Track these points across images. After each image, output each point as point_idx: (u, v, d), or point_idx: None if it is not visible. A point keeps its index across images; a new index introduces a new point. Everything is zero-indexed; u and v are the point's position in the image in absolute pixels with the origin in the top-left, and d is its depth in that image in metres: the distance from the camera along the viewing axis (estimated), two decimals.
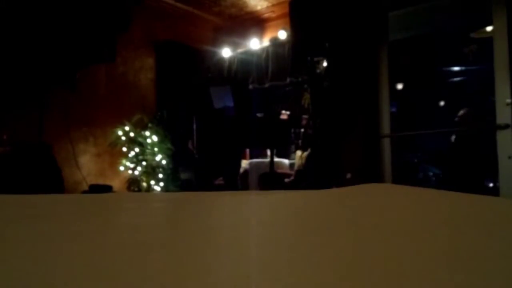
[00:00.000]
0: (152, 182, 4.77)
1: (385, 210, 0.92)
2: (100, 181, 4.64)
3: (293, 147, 5.11)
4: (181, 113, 4.98)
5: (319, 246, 0.56)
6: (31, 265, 0.46)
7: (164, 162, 4.77)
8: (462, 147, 4.43)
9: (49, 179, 3.80)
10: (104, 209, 1.10)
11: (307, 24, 4.06)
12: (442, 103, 6.35)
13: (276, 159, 4.62)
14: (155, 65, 5.28)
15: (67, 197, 1.69)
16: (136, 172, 4.74)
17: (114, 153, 4.73)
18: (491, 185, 4.17)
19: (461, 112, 4.48)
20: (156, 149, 4.73)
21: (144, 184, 4.75)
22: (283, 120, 5.20)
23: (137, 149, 4.70)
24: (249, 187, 4.90)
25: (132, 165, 4.72)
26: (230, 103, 5.01)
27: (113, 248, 0.56)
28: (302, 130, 4.96)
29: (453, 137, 4.75)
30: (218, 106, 5.01)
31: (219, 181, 5.13)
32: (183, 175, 5.01)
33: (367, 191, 1.28)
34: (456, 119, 4.51)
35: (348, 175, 3.65)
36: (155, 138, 4.74)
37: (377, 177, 3.57)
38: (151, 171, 4.75)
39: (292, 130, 4.95)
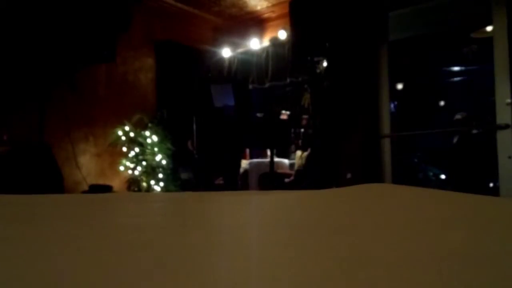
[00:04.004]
0: (152, 182, 4.77)
1: (385, 210, 0.92)
2: (100, 181, 4.64)
3: (293, 147, 5.11)
4: (181, 113, 4.98)
5: (319, 246, 0.56)
6: (31, 265, 0.46)
7: (164, 162, 4.77)
8: (465, 148, 4.43)
9: (49, 179, 3.80)
10: (104, 209, 1.10)
11: (307, 24, 4.06)
12: (442, 103, 6.35)
13: (276, 159, 4.61)
14: (155, 65, 5.28)
15: (67, 197, 1.69)
16: (136, 172, 4.74)
17: (114, 153, 4.73)
18: (491, 185, 4.18)
19: (457, 117, 4.50)
20: (156, 149, 4.73)
21: (144, 184, 4.75)
22: (283, 120, 5.20)
23: (137, 149, 4.70)
24: (249, 187, 4.90)
25: (132, 165, 4.72)
26: (231, 102, 5.01)
27: (113, 248, 0.56)
28: (302, 130, 4.96)
29: (455, 139, 4.74)
30: (218, 104, 5.01)
31: (219, 181, 5.13)
32: (183, 175, 5.01)
33: (367, 191, 1.28)
34: (457, 117, 4.52)
35: (348, 175, 3.65)
36: (155, 138, 4.75)
37: (377, 177, 3.57)
38: (151, 171, 4.75)
39: (292, 130, 4.95)
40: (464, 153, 4.41)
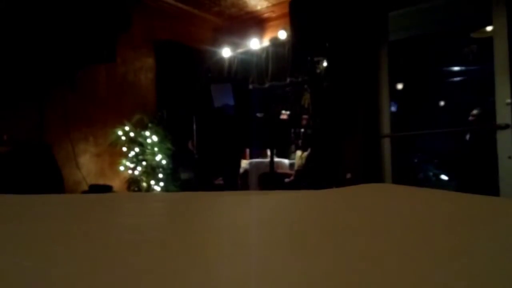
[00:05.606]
0: (152, 182, 4.77)
1: (385, 210, 0.92)
2: (100, 181, 4.64)
3: (293, 147, 5.11)
4: (181, 113, 4.98)
5: (319, 246, 0.56)
6: (30, 265, 0.46)
7: (164, 162, 4.77)
8: (479, 145, 4.36)
9: (49, 179, 3.80)
10: (104, 209, 1.09)
11: (307, 24, 4.06)
12: (442, 103, 6.35)
13: (276, 159, 4.61)
14: (155, 65, 5.28)
15: (67, 197, 1.69)
16: (136, 172, 4.74)
17: (114, 153, 4.73)
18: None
19: (475, 112, 4.45)
20: (156, 149, 4.73)
21: (144, 184, 4.75)
22: (283, 120, 5.20)
23: (137, 149, 4.70)
24: (249, 187, 4.90)
25: (132, 165, 4.72)
26: (231, 101, 5.01)
27: (113, 248, 0.56)
28: (302, 130, 4.96)
29: (467, 136, 4.70)
30: (218, 104, 5.01)
31: (219, 181, 5.13)
32: (183, 175, 5.01)
33: (367, 191, 1.28)
34: (470, 118, 4.49)
35: (348, 175, 3.65)
36: (155, 138, 4.74)
37: (377, 177, 3.57)
38: (151, 171, 4.74)
39: (292, 130, 4.95)
40: (478, 151, 4.35)
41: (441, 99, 6.33)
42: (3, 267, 0.46)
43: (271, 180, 4.15)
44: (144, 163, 4.72)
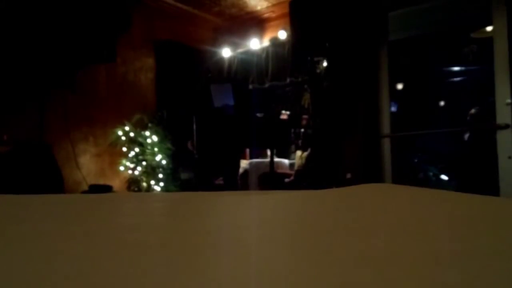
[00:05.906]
0: (152, 182, 4.77)
1: (385, 210, 0.92)
2: (100, 181, 4.64)
3: (293, 147, 5.11)
4: (181, 113, 4.98)
5: (318, 246, 0.56)
6: (31, 265, 0.46)
7: (164, 162, 4.77)
8: (478, 144, 4.36)
9: (49, 179, 3.80)
10: (104, 209, 1.09)
11: (307, 24, 4.06)
12: (442, 103, 6.35)
13: (276, 159, 4.61)
14: (155, 65, 5.28)
15: (67, 197, 1.69)
16: (136, 172, 4.74)
17: (114, 153, 4.74)
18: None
19: (473, 111, 4.45)
20: (156, 149, 4.73)
21: (144, 184, 4.75)
22: (283, 120, 5.20)
23: (137, 149, 4.70)
24: (249, 187, 4.90)
25: (132, 165, 4.72)
26: (231, 101, 5.01)
27: (112, 248, 0.56)
28: (302, 130, 4.96)
29: (466, 136, 4.70)
30: (218, 104, 5.01)
31: (219, 181, 5.13)
32: (183, 175, 5.01)
33: (367, 191, 1.28)
34: (468, 118, 4.49)
35: (348, 175, 3.65)
36: (155, 138, 4.75)
37: (377, 177, 3.57)
38: (151, 171, 4.75)
39: (292, 130, 4.95)
40: (478, 151, 4.34)
41: (441, 99, 6.33)
42: (3, 267, 0.46)
43: (271, 180, 4.15)
44: (144, 163, 4.72)
